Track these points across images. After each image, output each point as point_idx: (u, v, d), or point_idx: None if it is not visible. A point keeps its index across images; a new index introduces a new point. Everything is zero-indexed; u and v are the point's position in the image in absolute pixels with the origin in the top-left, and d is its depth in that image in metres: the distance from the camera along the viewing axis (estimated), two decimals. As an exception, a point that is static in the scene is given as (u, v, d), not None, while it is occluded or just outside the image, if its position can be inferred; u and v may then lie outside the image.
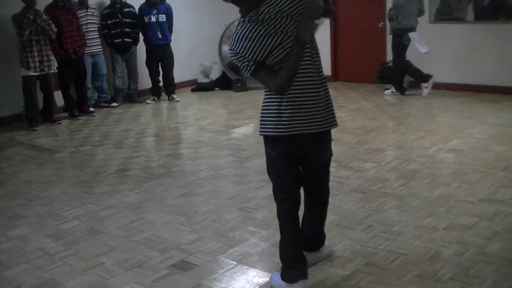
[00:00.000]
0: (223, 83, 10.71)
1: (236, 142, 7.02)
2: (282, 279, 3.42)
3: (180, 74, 10.29)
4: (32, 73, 8.08)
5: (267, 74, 3.20)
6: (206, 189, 5.31)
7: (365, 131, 6.94)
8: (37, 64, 8.10)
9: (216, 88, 10.69)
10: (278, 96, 3.21)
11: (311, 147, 3.32)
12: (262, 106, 3.35)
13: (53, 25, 8.17)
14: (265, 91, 3.34)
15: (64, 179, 5.94)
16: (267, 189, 5.13)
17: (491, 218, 4.26)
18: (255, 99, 9.63)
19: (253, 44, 3.10)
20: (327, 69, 10.94)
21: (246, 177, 5.60)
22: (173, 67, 9.85)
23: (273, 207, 4.68)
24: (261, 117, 3.33)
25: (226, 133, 7.42)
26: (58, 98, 8.87)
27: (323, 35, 10.76)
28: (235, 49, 3.17)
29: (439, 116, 7.70)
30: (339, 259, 3.77)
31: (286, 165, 3.34)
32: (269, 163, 3.40)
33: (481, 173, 5.27)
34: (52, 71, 8.34)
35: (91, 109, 9.17)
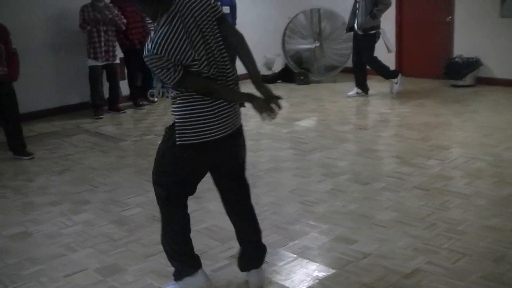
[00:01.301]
0: (286, 75, 10.70)
1: (297, 135, 6.99)
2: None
3: (242, 66, 10.30)
4: (98, 63, 8.30)
5: (199, 78, 3.06)
6: (266, 182, 5.31)
7: (430, 127, 6.79)
8: (103, 54, 8.31)
9: (278, 81, 10.69)
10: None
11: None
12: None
13: (123, 18, 8.37)
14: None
15: (127, 167, 6.05)
16: (328, 183, 5.12)
17: (561, 221, 4.10)
18: (317, 92, 9.59)
19: (175, 45, 2.91)
20: (391, 64, 10.79)
21: (307, 170, 5.57)
22: (235, 59, 9.87)
23: (334, 201, 4.67)
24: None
25: (288, 126, 7.40)
26: (124, 88, 9.06)
27: (387, 29, 10.60)
28: (155, 52, 2.89)
29: (508, 113, 7.44)
30: (400, 257, 3.70)
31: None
32: None
33: None
34: (117, 61, 8.53)
35: (155, 98, 9.32)
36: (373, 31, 8.56)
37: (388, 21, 10.54)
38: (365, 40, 8.63)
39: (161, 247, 3.45)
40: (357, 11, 8.65)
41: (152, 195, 5.09)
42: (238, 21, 9.90)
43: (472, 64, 9.24)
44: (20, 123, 6.59)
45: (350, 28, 8.87)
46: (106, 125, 8.12)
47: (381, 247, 3.84)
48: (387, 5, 8.56)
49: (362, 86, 9.01)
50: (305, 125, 7.56)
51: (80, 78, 8.69)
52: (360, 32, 8.61)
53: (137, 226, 4.47)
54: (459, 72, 9.23)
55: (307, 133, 7.02)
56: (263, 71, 10.93)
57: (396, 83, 8.85)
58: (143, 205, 4.89)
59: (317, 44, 10.64)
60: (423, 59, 10.32)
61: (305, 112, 8.22)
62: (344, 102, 8.71)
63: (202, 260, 3.47)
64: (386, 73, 8.93)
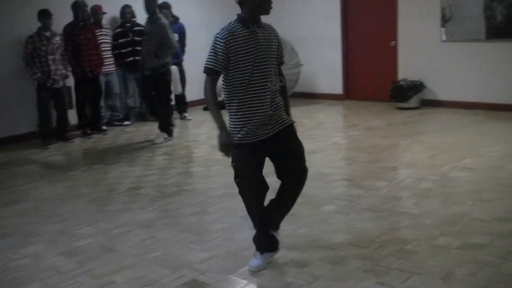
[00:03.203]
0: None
1: (248, 160, 7.01)
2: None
3: (192, 92, 10.34)
4: (46, 89, 8.22)
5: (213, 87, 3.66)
6: (218, 208, 5.30)
7: (378, 150, 6.92)
8: (51, 80, 8.23)
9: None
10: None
11: None
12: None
13: (66, 44, 8.37)
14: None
15: (77, 197, 5.96)
16: (279, 207, 5.13)
17: (506, 237, 4.21)
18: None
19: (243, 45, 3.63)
20: (338, 88, 10.98)
21: (258, 195, 5.58)
22: (185, 86, 9.90)
23: (285, 225, 4.68)
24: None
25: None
26: (71, 116, 8.96)
27: (334, 54, 10.81)
28: (223, 36, 3.63)
29: (452, 134, 7.66)
30: (351, 279, 3.73)
31: None
32: None
33: (496, 191, 5.23)
34: (64, 86, 8.49)
35: (104, 127, 9.24)
36: (162, 70, 8.02)
37: (335, 46, 10.78)
38: (155, 80, 8.06)
39: (112, 277, 3.40)
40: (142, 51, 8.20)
41: (102, 224, 5.05)
42: (187, 48, 9.95)
43: (416, 87, 9.50)
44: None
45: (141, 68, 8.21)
46: (55, 154, 7.99)
47: (332, 270, 3.87)
48: (173, 50, 8.17)
49: (167, 129, 8.40)
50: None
51: (27, 108, 8.56)
52: (147, 72, 8.04)
53: (88, 257, 4.38)
54: (404, 95, 9.47)
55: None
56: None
57: (164, 138, 8.35)
58: (94, 236, 4.81)
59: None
60: (370, 83, 10.57)
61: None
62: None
63: (154, 290, 3.43)
64: (164, 125, 8.38)
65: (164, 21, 7.96)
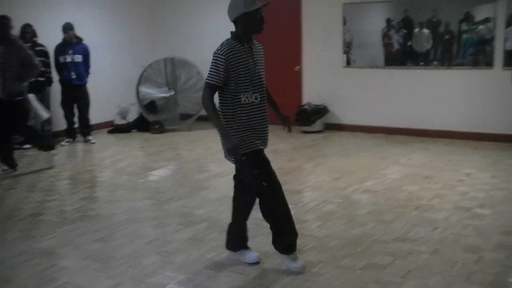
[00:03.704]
0: (141, 124, 10.62)
1: (154, 184, 6.93)
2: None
3: (96, 115, 10.12)
4: None
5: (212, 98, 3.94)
6: (123, 233, 5.18)
7: (283, 173, 7.01)
8: None
9: (133, 130, 10.58)
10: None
11: None
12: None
13: None
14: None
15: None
16: (186, 232, 5.10)
17: (405, 257, 4.37)
18: (173, 141, 9.60)
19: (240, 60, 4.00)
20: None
21: (165, 220, 5.51)
22: (88, 108, 9.68)
23: (192, 250, 4.64)
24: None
25: (144, 176, 7.32)
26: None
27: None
28: (223, 52, 3.92)
29: (355, 157, 7.91)
30: (259, 302, 3.74)
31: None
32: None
33: (395, 213, 5.43)
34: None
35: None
36: (20, 97, 7.43)
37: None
38: (14, 109, 7.39)
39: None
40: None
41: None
42: (91, 69, 9.74)
43: (320, 111, 9.76)
44: None
45: None
46: None
47: (240, 294, 3.87)
48: (37, 69, 7.70)
49: (9, 161, 7.71)
50: (162, 174, 7.52)
51: None
52: (5, 98, 7.31)
53: (-17, 289, 4.16)
54: (308, 119, 9.69)
55: (164, 182, 6.98)
56: (117, 120, 10.79)
57: (54, 155, 8.05)
58: (-11, 266, 4.57)
59: (172, 92, 10.71)
60: (275, 107, 10.72)
61: (161, 161, 8.19)
62: (201, 150, 8.79)
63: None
64: (43, 144, 8.01)
65: (21, 42, 7.69)
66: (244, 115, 3.95)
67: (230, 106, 3.95)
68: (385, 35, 9.42)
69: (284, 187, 6.29)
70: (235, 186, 4.43)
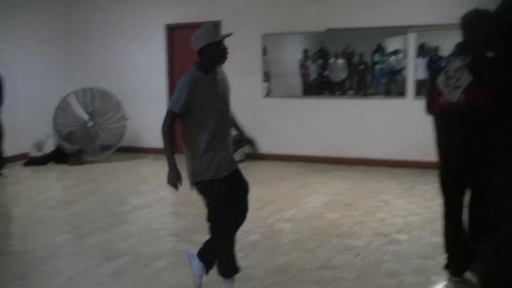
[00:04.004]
0: (58, 156, 10.33)
1: (74, 218, 6.74)
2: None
3: (11, 147, 9.75)
4: None
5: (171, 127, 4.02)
6: (42, 271, 4.98)
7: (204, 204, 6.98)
8: None
9: (50, 162, 10.26)
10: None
11: None
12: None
13: None
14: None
15: None
16: (108, 266, 4.98)
17: (329, 284, 4.45)
18: (92, 173, 9.39)
19: (204, 89, 4.07)
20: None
21: (86, 255, 5.36)
22: (3, 139, 9.33)
23: (114, 285, 4.54)
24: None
25: (63, 209, 7.10)
26: None
27: (160, 108, 10.89)
28: (189, 82, 3.97)
29: (276, 186, 8.00)
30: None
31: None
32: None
33: (318, 240, 5.52)
34: None
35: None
36: None
37: (161, 100, 10.84)
38: None
39: None
40: None
41: None
42: (7, 99, 9.40)
43: (238, 141, 9.79)
44: None
45: None
46: None
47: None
48: None
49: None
50: (81, 208, 7.32)
51: None
52: None
53: None
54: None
55: (84, 216, 6.79)
56: (34, 152, 10.45)
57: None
58: None
59: (91, 123, 10.50)
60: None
61: (81, 194, 7.97)
62: (121, 181, 8.64)
63: None
64: None
65: None
66: (208, 142, 4.02)
67: (194, 133, 4.04)
68: (302, 66, 9.67)
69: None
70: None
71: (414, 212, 6.50)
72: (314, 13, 9.49)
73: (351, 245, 5.40)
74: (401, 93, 9.02)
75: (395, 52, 9.07)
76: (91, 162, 10.19)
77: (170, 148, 4.01)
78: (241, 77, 10.01)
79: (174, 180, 4.01)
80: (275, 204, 6.95)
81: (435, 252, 4.99)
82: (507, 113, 4.01)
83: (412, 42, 8.86)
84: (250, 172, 9.01)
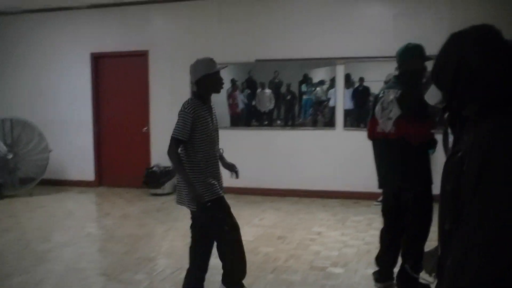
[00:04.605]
0: (-26, 191, 9.77)
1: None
2: None
3: None
4: None
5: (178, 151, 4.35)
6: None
7: (134, 240, 6.70)
8: None
9: (-35, 197, 9.70)
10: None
11: None
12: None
13: None
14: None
15: None
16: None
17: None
18: (11, 208, 8.89)
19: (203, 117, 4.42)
20: (90, 174, 10.65)
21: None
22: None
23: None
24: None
25: (-21, 249, 6.64)
26: None
27: (85, 139, 10.53)
28: (191, 110, 4.31)
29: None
30: None
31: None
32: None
33: (253, 276, 5.33)
34: None
35: None
36: None
37: (86, 131, 10.50)
38: None
39: None
40: None
41: None
42: None
43: (169, 172, 9.58)
44: None
45: None
46: None
47: None
48: None
49: None
50: (0, 246, 6.87)
51: None
52: None
53: None
54: (158, 181, 9.47)
55: (2, 256, 6.36)
56: None
57: None
58: None
59: (10, 155, 9.99)
60: (123, 169, 10.43)
61: (-1, 231, 7.51)
62: (44, 217, 8.21)
63: None
64: None
65: None
66: (207, 165, 4.37)
67: (194, 158, 4.32)
68: (230, 96, 9.56)
69: (136, 255, 6.07)
70: (192, 237, 4.72)
71: (348, 244, 6.44)
72: (243, 45, 9.46)
73: (287, 280, 5.26)
74: (329, 123, 9.05)
75: (321, 83, 9.13)
76: (11, 196, 9.67)
77: (183, 169, 4.26)
78: (169, 107, 9.81)
79: (199, 193, 4.26)
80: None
81: (371, 284, 4.94)
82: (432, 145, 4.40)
83: (340, 72, 8.94)
84: (178, 206, 8.77)
